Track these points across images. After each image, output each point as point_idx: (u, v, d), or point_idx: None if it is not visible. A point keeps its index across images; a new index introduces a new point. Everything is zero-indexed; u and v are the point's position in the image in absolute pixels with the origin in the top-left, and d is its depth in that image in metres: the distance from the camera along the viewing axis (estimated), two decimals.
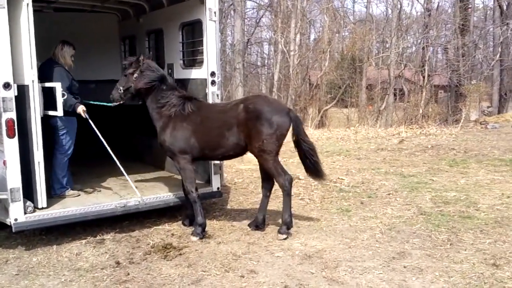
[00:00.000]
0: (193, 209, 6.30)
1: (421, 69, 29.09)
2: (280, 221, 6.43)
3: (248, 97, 6.68)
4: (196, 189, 6.28)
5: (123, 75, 6.47)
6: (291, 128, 6.11)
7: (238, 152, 6.31)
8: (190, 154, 6.22)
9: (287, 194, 6.15)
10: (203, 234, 6.16)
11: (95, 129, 6.56)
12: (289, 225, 6.19)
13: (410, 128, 18.89)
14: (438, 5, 32.05)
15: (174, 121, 6.22)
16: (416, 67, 30.09)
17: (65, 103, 6.32)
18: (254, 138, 5.96)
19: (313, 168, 6.32)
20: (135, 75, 6.25)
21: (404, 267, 5.18)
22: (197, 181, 6.60)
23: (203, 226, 6.21)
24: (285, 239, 6.05)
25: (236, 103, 6.32)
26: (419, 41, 31.22)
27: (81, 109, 6.51)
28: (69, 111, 6.47)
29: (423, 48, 29.76)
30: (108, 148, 6.62)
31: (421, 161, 11.40)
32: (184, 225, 6.69)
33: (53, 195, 6.58)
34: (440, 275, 4.95)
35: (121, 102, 6.45)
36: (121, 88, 6.33)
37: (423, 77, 28.61)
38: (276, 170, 6.08)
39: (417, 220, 6.79)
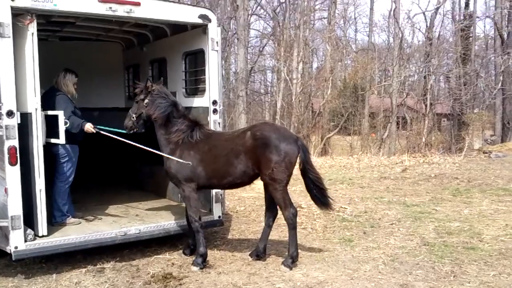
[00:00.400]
0: (195, 239, 6.25)
1: (423, 97, 29.16)
2: (281, 251, 6.35)
3: (256, 125, 6.68)
4: (200, 218, 6.24)
5: (134, 102, 6.47)
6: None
7: (245, 180, 6.24)
8: (196, 182, 6.19)
9: (292, 228, 6.07)
10: (203, 264, 6.09)
11: (109, 134, 6.49)
12: (294, 259, 6.10)
13: (413, 157, 18.84)
14: (439, 34, 32.35)
15: (181, 148, 6.20)
16: (418, 95, 30.19)
17: (71, 125, 6.37)
18: (264, 166, 5.91)
19: (321, 197, 6.27)
20: (146, 101, 6.25)
21: None
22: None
23: (204, 256, 6.14)
24: (287, 271, 5.96)
25: (243, 130, 6.33)
26: (421, 69, 31.42)
27: (89, 126, 6.48)
28: (73, 139, 6.50)
29: (425, 77, 29.90)
30: (134, 143, 6.44)
31: (424, 190, 11.35)
32: (185, 254, 6.63)
33: (54, 223, 6.55)
34: None
35: (135, 130, 6.41)
36: (134, 115, 6.34)
37: (426, 105, 28.65)
38: (284, 201, 6.02)
39: (420, 251, 6.71)
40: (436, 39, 31.06)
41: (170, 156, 6.16)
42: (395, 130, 29.08)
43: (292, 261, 6.07)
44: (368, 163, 17.10)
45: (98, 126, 6.58)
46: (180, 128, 6.23)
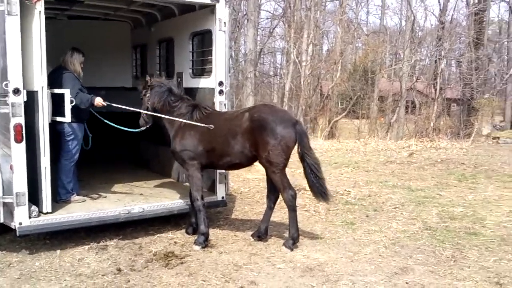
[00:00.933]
0: (197, 218, 6.32)
1: (434, 82, 28.92)
2: (282, 232, 6.40)
3: (255, 106, 6.66)
4: (202, 198, 6.31)
5: (140, 99, 6.73)
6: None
7: (243, 161, 6.28)
8: (198, 161, 6.27)
9: (292, 210, 6.11)
10: (205, 244, 6.16)
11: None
12: (295, 240, 6.15)
13: (421, 141, 18.76)
14: (452, 18, 31.84)
15: (183, 129, 6.35)
16: (428, 79, 29.93)
17: (80, 101, 6.41)
18: (260, 149, 5.95)
19: (317, 185, 6.18)
20: (147, 95, 6.55)
21: (406, 283, 5.14)
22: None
23: (206, 235, 6.22)
24: (288, 252, 6.01)
25: (242, 111, 6.35)
26: (432, 53, 31.05)
27: (99, 100, 6.54)
28: (79, 117, 6.55)
29: (436, 61, 29.59)
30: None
31: (429, 175, 11.33)
32: (188, 233, 6.71)
33: (59, 200, 6.63)
34: None
35: (148, 126, 6.72)
36: (145, 114, 6.64)
37: (435, 90, 28.42)
38: (283, 183, 6.05)
39: (422, 235, 6.74)
40: (449, 22, 30.59)
41: (193, 122, 6.29)
42: (404, 114, 28.93)
43: (293, 242, 6.12)
44: (375, 147, 17.07)
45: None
46: (180, 111, 6.41)
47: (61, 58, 6.82)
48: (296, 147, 6.08)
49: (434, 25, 33.32)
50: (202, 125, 6.19)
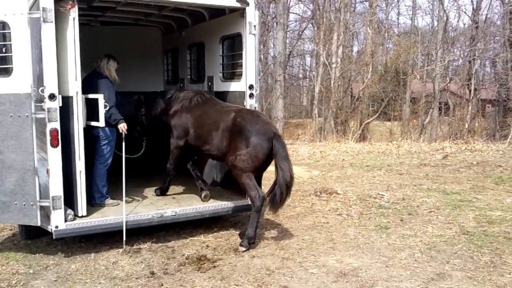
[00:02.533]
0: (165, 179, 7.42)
1: (468, 82, 28.31)
2: (314, 237, 6.30)
3: (243, 109, 6.71)
4: (173, 168, 7.28)
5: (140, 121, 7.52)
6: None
7: (219, 155, 6.62)
8: (184, 141, 7.04)
9: (256, 211, 6.20)
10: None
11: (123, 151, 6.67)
12: (250, 240, 6.20)
13: (455, 143, 18.35)
14: (486, 17, 31.13)
15: (180, 111, 7.08)
16: (462, 80, 29.33)
17: (109, 115, 6.50)
18: (230, 151, 6.29)
19: (275, 198, 6.11)
20: (142, 110, 7.48)
21: None
22: (233, 195, 7.01)
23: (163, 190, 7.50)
24: (244, 251, 6.08)
25: (232, 109, 6.61)
26: (465, 53, 30.43)
27: (122, 126, 6.59)
28: (111, 122, 6.64)
29: (469, 61, 28.96)
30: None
31: (465, 178, 11.04)
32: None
33: (93, 204, 6.73)
34: None
35: (144, 140, 7.40)
36: (138, 127, 7.44)
37: (470, 90, 27.82)
38: (248, 185, 6.22)
39: (459, 240, 6.56)
40: (483, 22, 29.92)
41: None
42: (437, 116, 28.39)
43: (248, 241, 6.19)
44: (408, 150, 16.78)
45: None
46: (178, 100, 7.15)
47: (95, 64, 6.93)
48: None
49: (467, 24, 32.65)
50: None
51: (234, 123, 6.29)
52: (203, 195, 7.11)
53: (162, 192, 7.50)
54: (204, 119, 6.75)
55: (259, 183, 6.47)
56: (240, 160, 6.15)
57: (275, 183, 6.19)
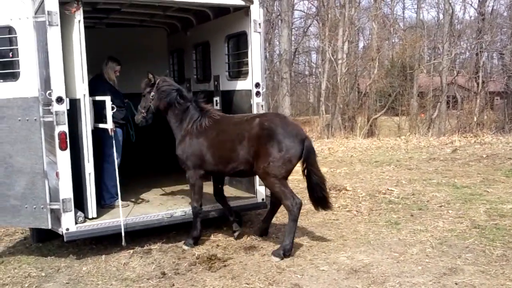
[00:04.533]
0: (193, 224, 6.40)
1: (475, 75, 28.12)
2: (324, 234, 6.27)
3: (267, 113, 6.52)
4: (201, 206, 6.40)
5: (142, 95, 6.57)
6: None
7: (248, 168, 6.04)
8: (204, 170, 6.26)
9: (293, 220, 5.82)
10: (191, 244, 6.28)
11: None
12: (286, 252, 5.81)
13: (464, 137, 18.21)
14: (492, 9, 30.89)
15: (190, 134, 6.26)
16: (469, 73, 29.14)
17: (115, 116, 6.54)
18: (261, 158, 5.78)
19: (321, 201, 6.10)
20: (152, 93, 6.37)
21: (456, 283, 4.96)
22: (242, 193, 6.86)
23: (195, 239, 6.39)
24: (277, 261, 5.70)
25: (253, 116, 6.16)
26: (472, 46, 30.22)
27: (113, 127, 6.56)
28: (117, 123, 6.68)
29: (477, 54, 28.77)
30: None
31: (475, 171, 10.96)
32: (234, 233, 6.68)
33: (103, 205, 6.76)
34: None
35: (146, 123, 6.55)
36: (143, 110, 6.48)
37: (477, 83, 27.63)
38: (284, 193, 5.84)
39: (470, 234, 6.51)
40: (489, 14, 29.69)
41: None
42: (445, 110, 28.23)
43: (283, 252, 5.81)
44: (416, 144, 16.68)
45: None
46: (189, 115, 6.30)
47: (101, 67, 6.98)
48: (301, 163, 5.92)
49: (473, 17, 32.41)
50: None
51: (262, 127, 5.81)
52: (235, 234, 6.64)
53: (195, 240, 6.45)
54: (223, 138, 6.12)
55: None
56: (273, 167, 5.71)
57: (309, 188, 6.05)
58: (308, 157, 5.86)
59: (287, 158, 5.74)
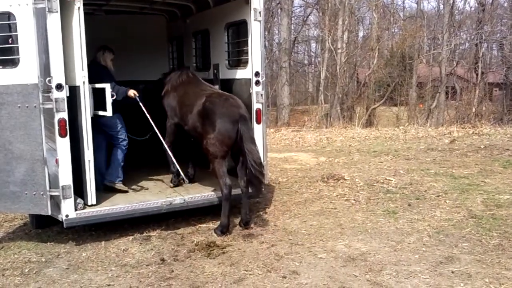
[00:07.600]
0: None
1: (475, 66, 28.09)
2: (322, 222, 6.31)
3: (214, 93, 6.76)
4: (171, 144, 7.14)
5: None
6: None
7: (198, 137, 6.60)
8: (177, 119, 7.05)
9: (224, 199, 6.25)
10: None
11: (145, 112, 6.91)
12: (223, 228, 6.27)
13: (462, 128, 18.24)
14: (493, 0, 30.75)
15: (169, 92, 7.24)
16: (469, 64, 29.12)
17: (117, 92, 6.64)
18: (202, 135, 6.38)
19: (252, 183, 6.27)
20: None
21: (452, 272, 5.02)
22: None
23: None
24: (218, 236, 6.20)
25: (205, 94, 6.62)
26: (472, 37, 30.15)
27: (131, 92, 6.89)
28: (116, 107, 6.72)
29: (476, 45, 28.71)
30: (158, 133, 7.02)
31: (473, 162, 11.00)
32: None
33: (104, 183, 6.92)
34: (490, 281, 4.77)
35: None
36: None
37: (477, 74, 27.62)
38: (218, 172, 6.24)
39: (467, 223, 6.56)
40: (490, 4, 29.58)
41: None
42: (444, 100, 28.24)
43: (221, 229, 6.28)
44: (414, 134, 16.71)
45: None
46: (170, 79, 7.32)
47: (94, 54, 7.00)
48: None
49: (473, 7, 32.31)
50: None
51: (203, 107, 6.37)
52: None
53: (176, 178, 7.37)
54: (184, 100, 6.88)
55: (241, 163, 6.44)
56: (210, 144, 6.22)
57: (245, 167, 6.26)
58: (242, 137, 6.15)
59: (220, 138, 6.18)
